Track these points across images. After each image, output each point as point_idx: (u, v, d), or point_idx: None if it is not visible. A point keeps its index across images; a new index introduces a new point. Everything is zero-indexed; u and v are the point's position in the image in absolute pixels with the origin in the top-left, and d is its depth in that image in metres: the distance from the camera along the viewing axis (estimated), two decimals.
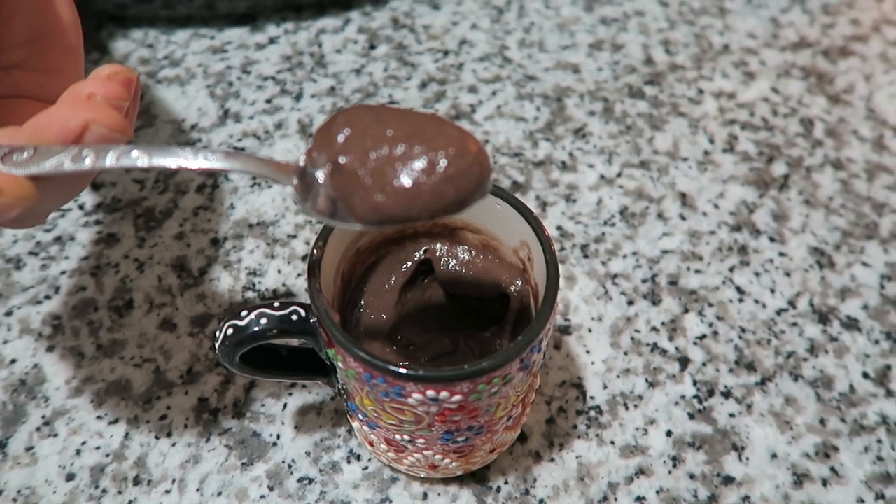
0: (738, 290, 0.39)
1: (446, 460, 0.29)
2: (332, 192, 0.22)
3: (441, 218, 0.21)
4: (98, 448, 0.33)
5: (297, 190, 0.22)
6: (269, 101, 0.47)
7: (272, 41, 0.51)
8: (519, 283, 0.31)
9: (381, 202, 0.21)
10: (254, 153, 0.23)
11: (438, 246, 0.32)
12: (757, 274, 0.39)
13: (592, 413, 0.34)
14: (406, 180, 0.21)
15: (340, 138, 0.22)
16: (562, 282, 0.38)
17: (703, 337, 0.37)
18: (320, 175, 0.22)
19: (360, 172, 0.21)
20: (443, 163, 0.21)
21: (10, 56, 0.26)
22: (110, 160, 0.21)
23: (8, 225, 0.23)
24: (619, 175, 0.44)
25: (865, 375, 0.36)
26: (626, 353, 0.36)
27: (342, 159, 0.22)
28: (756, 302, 0.38)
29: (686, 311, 0.38)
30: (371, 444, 0.30)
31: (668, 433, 0.34)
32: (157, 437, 0.33)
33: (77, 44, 0.27)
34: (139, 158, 0.21)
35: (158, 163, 0.21)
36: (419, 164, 0.21)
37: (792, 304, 0.38)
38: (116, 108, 0.22)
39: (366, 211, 0.22)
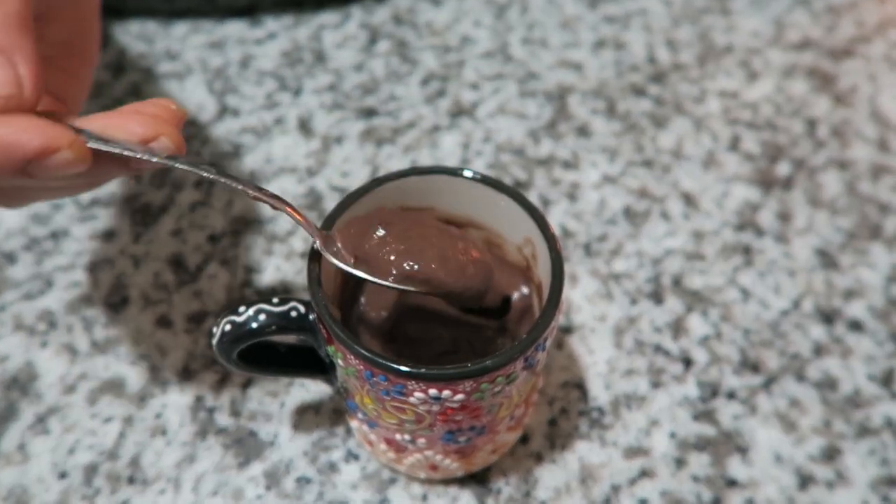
0: (742, 290, 0.38)
1: (447, 461, 0.29)
2: (364, 251, 0.26)
3: (448, 293, 0.26)
4: (91, 446, 0.32)
5: (323, 242, 0.26)
6: (268, 97, 0.46)
7: (271, 36, 0.50)
8: (522, 287, 0.30)
9: (413, 266, 0.25)
10: (300, 208, 0.28)
11: None
12: (761, 274, 0.39)
13: (595, 414, 0.34)
14: (438, 252, 0.26)
15: (379, 231, 0.26)
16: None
17: (707, 338, 0.36)
18: (346, 246, 0.26)
19: (397, 239, 0.26)
20: (471, 251, 0.26)
21: (44, 50, 0.27)
22: (180, 162, 0.23)
23: (31, 195, 0.24)
24: (622, 174, 0.43)
25: (871, 377, 0.35)
26: (629, 354, 0.36)
27: (381, 231, 0.26)
28: (760, 303, 0.38)
29: (690, 311, 0.37)
30: (370, 443, 0.30)
31: (672, 435, 0.33)
32: (151, 436, 0.33)
33: (96, 56, 0.30)
34: (208, 171, 0.23)
35: (223, 180, 0.23)
36: (451, 246, 0.26)
37: (796, 304, 0.38)
38: None
39: (396, 268, 0.25)
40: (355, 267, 0.26)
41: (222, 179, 0.23)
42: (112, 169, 0.24)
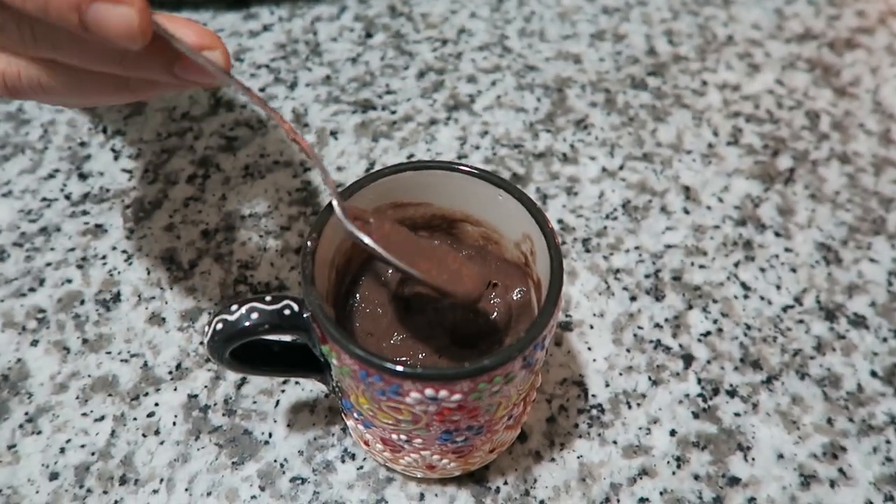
0: (744, 285, 0.38)
1: (444, 460, 0.28)
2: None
3: (449, 291, 0.26)
4: (83, 446, 0.32)
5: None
6: (262, 90, 0.46)
7: (266, 28, 0.49)
8: (521, 284, 0.30)
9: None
10: (326, 168, 0.26)
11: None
12: (762, 269, 0.38)
13: (594, 412, 0.33)
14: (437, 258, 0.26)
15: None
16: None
17: (708, 334, 0.36)
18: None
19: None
20: (462, 261, 0.27)
21: None
22: (230, 82, 0.22)
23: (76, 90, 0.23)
24: (621, 168, 0.43)
25: (874, 374, 0.35)
26: (628, 350, 0.35)
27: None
28: (762, 298, 0.37)
29: (690, 307, 0.37)
30: (366, 443, 0.29)
31: (672, 432, 0.33)
32: (144, 435, 0.32)
33: None
34: (252, 95, 0.23)
35: (267, 112, 0.23)
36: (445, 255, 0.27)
37: (798, 300, 0.37)
38: None
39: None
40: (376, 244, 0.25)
41: (267, 111, 0.23)
42: (158, 72, 0.22)
